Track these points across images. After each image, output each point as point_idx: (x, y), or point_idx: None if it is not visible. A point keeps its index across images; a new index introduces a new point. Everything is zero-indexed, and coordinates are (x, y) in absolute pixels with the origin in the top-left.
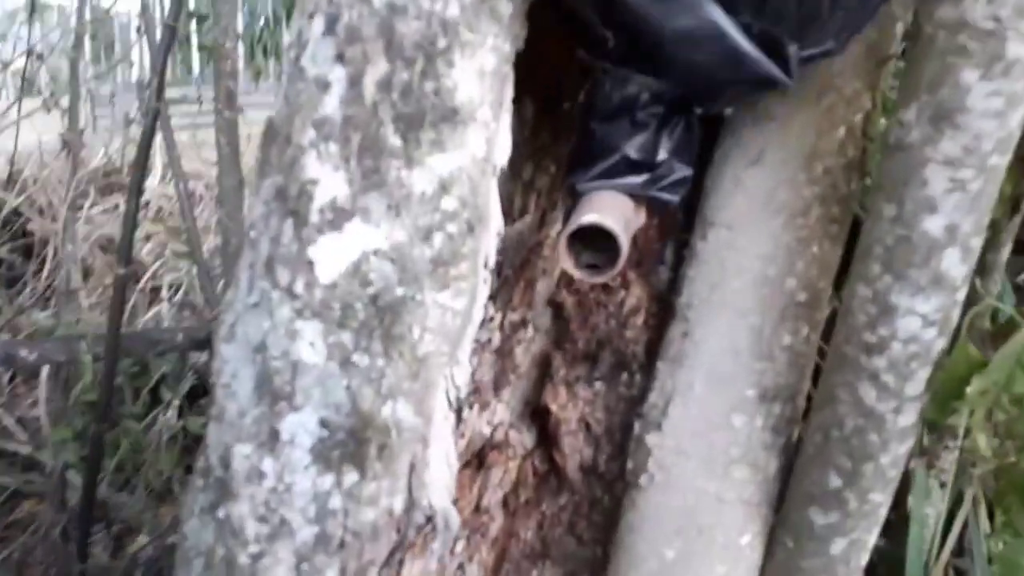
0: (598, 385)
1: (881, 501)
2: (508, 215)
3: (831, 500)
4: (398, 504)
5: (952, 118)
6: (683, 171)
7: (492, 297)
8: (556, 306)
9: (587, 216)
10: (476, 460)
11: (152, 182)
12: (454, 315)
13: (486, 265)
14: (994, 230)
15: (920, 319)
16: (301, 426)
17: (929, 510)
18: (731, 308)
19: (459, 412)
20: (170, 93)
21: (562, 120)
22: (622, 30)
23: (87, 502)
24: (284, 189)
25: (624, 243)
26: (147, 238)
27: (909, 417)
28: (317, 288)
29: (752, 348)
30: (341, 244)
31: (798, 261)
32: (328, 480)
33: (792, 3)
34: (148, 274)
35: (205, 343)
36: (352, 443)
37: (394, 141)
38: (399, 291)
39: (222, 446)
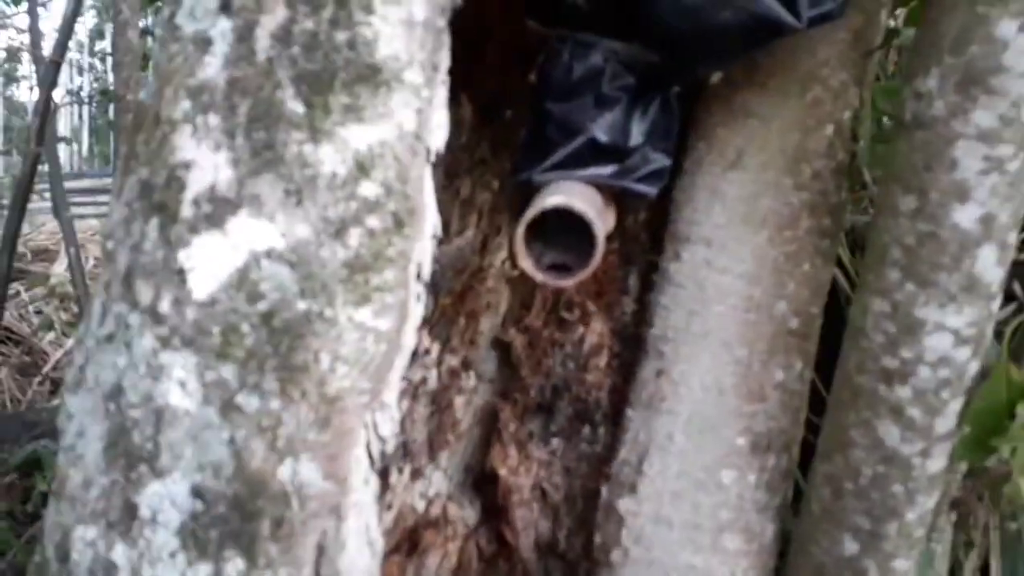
0: (555, 442)
1: (906, 570)
2: (445, 233)
3: (846, 572)
4: None
5: (985, 81)
6: (660, 160)
7: (428, 324)
8: (503, 348)
9: (551, 199)
10: (408, 542)
11: (59, 267)
12: (377, 339)
13: (419, 276)
14: None
15: (951, 336)
16: (167, 498)
17: None
18: (714, 339)
19: (385, 474)
20: (87, 183)
21: (504, 130)
22: None
23: None
24: (149, 182)
25: (599, 231)
26: (50, 326)
27: (939, 461)
28: (189, 306)
29: (740, 387)
30: (222, 246)
31: (788, 281)
32: (203, 572)
33: None
34: (49, 364)
35: None
36: (237, 519)
37: (294, 107)
38: (301, 306)
39: (59, 531)
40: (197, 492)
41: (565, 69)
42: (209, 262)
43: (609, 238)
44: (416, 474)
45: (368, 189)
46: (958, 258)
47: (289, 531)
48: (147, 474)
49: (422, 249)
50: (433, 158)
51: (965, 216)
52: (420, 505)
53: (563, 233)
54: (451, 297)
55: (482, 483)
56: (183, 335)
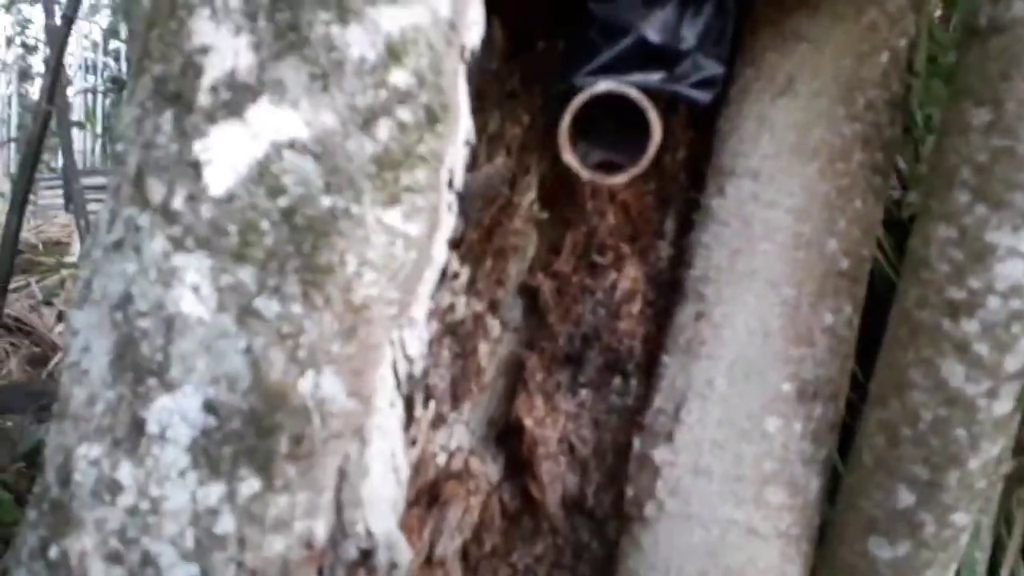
0: (584, 394)
1: (965, 525)
2: (472, 164)
3: (900, 525)
4: (320, 529)
5: None
6: (713, 67)
7: (456, 246)
8: (530, 294)
9: (603, 83)
10: (428, 495)
11: (71, 259)
12: (407, 244)
13: (451, 183)
14: None
15: None
16: (177, 412)
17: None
18: (760, 278)
19: (410, 403)
20: (100, 180)
21: (535, 62)
22: None
23: None
24: (164, 75)
25: (654, 119)
26: (59, 317)
27: (1006, 403)
28: (204, 203)
29: (787, 329)
30: (241, 136)
31: (839, 218)
32: (215, 492)
33: None
34: (59, 356)
35: None
36: (252, 435)
37: None
38: (326, 202)
39: (61, 453)
40: (210, 406)
41: None
42: (227, 154)
43: (644, 178)
44: (438, 421)
45: (399, 77)
46: None
47: (309, 450)
48: (156, 388)
49: (455, 153)
50: (468, 56)
51: None
52: (442, 457)
53: (611, 133)
54: (479, 231)
55: (506, 437)
56: (197, 235)
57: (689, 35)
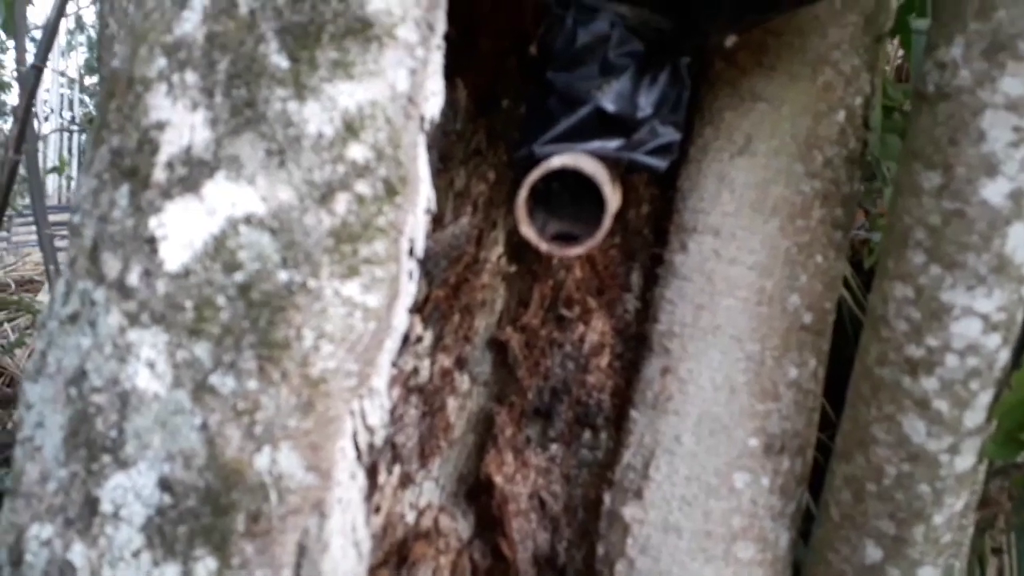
0: (554, 448)
1: None
2: (438, 223)
3: None
4: None
5: (1014, 46)
6: (669, 134)
7: (419, 309)
8: (499, 348)
9: (557, 159)
10: (396, 556)
11: (44, 297)
12: (365, 316)
13: (412, 251)
14: None
15: (980, 321)
16: (131, 491)
17: None
18: (724, 334)
19: (373, 471)
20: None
21: (500, 120)
22: None
23: None
24: (120, 148)
25: (609, 195)
26: (31, 356)
27: (968, 458)
28: (160, 279)
29: (752, 385)
30: (197, 212)
31: (801, 273)
32: (170, 573)
33: None
34: None
35: None
36: (208, 513)
37: (278, 62)
38: (282, 276)
39: (13, 531)
40: (165, 484)
41: (568, 36)
42: (182, 230)
43: (610, 233)
44: (406, 480)
45: (357, 152)
46: (987, 237)
47: (267, 527)
48: (110, 465)
49: (415, 222)
50: (428, 127)
51: (994, 191)
52: (410, 516)
53: (568, 204)
54: (445, 289)
55: (476, 493)
56: (153, 311)
57: (645, 103)
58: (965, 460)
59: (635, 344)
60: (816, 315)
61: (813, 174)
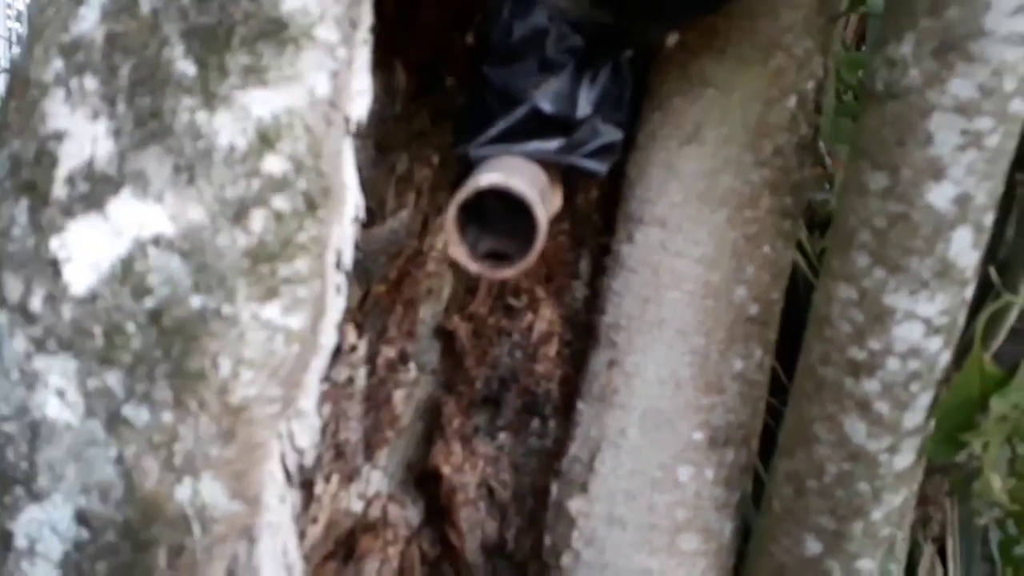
0: (502, 437)
1: (871, 570)
2: (378, 215)
3: (809, 572)
4: None
5: (964, 47)
6: (611, 134)
7: (354, 317)
8: (446, 336)
9: (486, 176)
10: (344, 547)
11: None
12: (288, 339)
13: (339, 264)
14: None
15: (922, 325)
16: (46, 524)
17: None
18: (669, 327)
19: (308, 484)
20: None
21: (444, 99)
22: None
23: None
24: (19, 158)
25: (540, 215)
26: None
27: (907, 457)
28: (65, 303)
29: (697, 378)
30: (102, 232)
31: (748, 265)
32: None
33: None
34: None
35: None
36: (128, 548)
37: (184, 68)
38: (195, 302)
39: None
40: (82, 518)
41: (505, 29)
42: (87, 251)
43: (558, 218)
44: (352, 475)
45: (273, 164)
46: (931, 241)
47: (191, 561)
48: (24, 497)
49: (341, 234)
50: (353, 128)
51: (940, 196)
52: (358, 506)
53: (503, 217)
54: (386, 284)
55: (425, 482)
56: (60, 337)
57: (585, 102)
58: (904, 459)
59: (584, 332)
60: (763, 306)
61: (762, 163)
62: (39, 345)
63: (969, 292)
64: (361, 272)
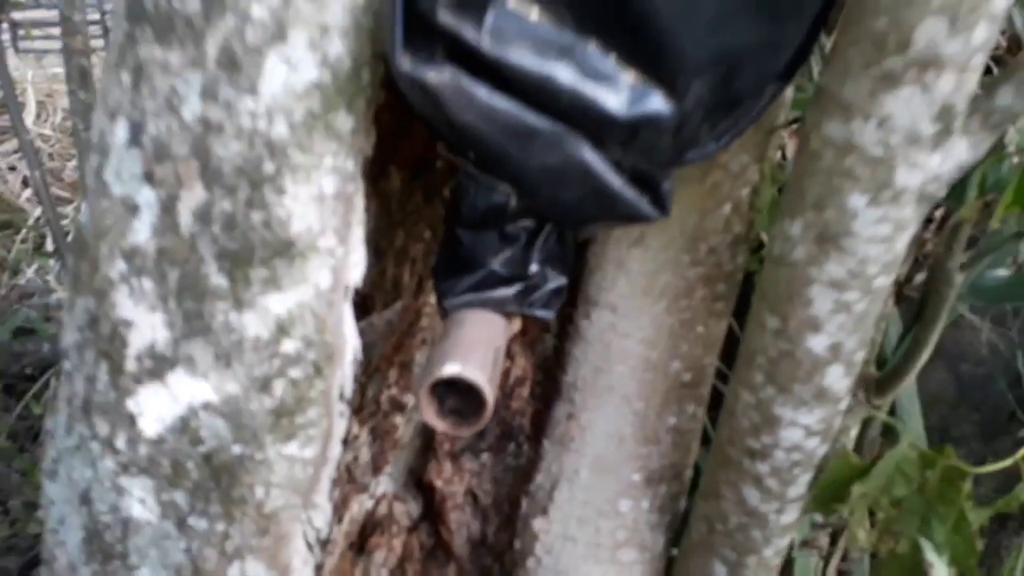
0: (484, 456)
1: None
2: (379, 288)
3: None
4: None
5: (838, 241)
6: (557, 280)
7: (357, 410)
8: None
9: (448, 367)
10: (358, 540)
11: (26, 121)
12: (304, 465)
13: (342, 396)
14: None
15: (803, 430)
16: None
17: None
18: (616, 393)
19: (324, 543)
20: (44, 14)
21: (436, 180)
22: (481, 157)
23: None
24: (96, 322)
25: (489, 395)
26: (24, 183)
27: (791, 515)
28: (141, 443)
29: (637, 434)
30: (165, 396)
31: (682, 343)
32: None
33: (666, 135)
34: (30, 222)
35: None
36: None
37: (219, 281)
38: (236, 449)
39: None
40: None
41: (472, 202)
42: (155, 409)
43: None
44: (362, 489)
45: (289, 346)
46: (811, 373)
47: None
48: (121, 569)
49: (343, 376)
50: (351, 293)
51: (817, 343)
52: (369, 504)
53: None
54: (385, 351)
55: (422, 485)
56: (139, 465)
57: (535, 263)
58: (789, 516)
59: (550, 377)
60: (695, 372)
61: (697, 262)
62: (124, 468)
63: (843, 405)
64: (365, 354)
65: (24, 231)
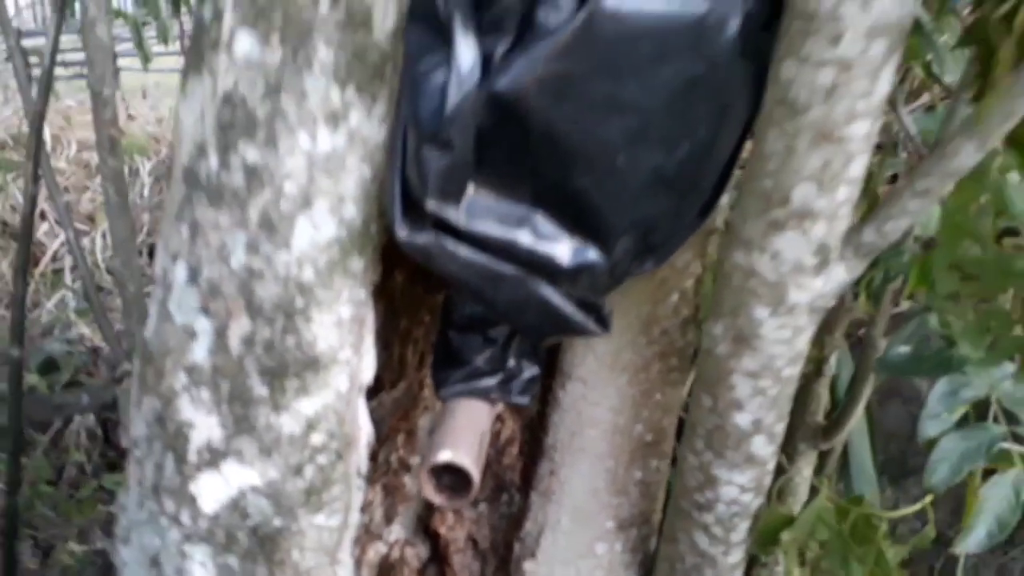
0: (482, 506)
1: None
2: (387, 367)
3: None
4: None
5: (750, 342)
6: (531, 370)
7: (370, 479)
8: None
9: (442, 455)
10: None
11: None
12: (331, 532)
13: (359, 473)
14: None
15: (738, 488)
16: None
17: None
18: (589, 452)
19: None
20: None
21: (433, 276)
22: (464, 294)
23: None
24: (163, 421)
25: (476, 476)
26: (42, 216)
27: (737, 555)
28: (201, 518)
29: (609, 487)
30: (220, 481)
31: (643, 409)
32: None
33: (603, 276)
34: (48, 255)
35: (112, 405)
36: None
37: (261, 391)
38: (276, 522)
39: None
40: None
41: (460, 312)
42: (212, 491)
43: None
44: (377, 537)
45: (316, 439)
46: (739, 442)
47: None
48: None
49: (359, 457)
50: (364, 389)
51: (742, 419)
52: (383, 549)
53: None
54: (393, 421)
55: (428, 531)
56: (199, 535)
57: (512, 359)
58: (734, 557)
59: (536, 436)
60: (656, 433)
61: (652, 341)
62: (187, 538)
63: (771, 466)
64: (377, 429)
65: (41, 266)
